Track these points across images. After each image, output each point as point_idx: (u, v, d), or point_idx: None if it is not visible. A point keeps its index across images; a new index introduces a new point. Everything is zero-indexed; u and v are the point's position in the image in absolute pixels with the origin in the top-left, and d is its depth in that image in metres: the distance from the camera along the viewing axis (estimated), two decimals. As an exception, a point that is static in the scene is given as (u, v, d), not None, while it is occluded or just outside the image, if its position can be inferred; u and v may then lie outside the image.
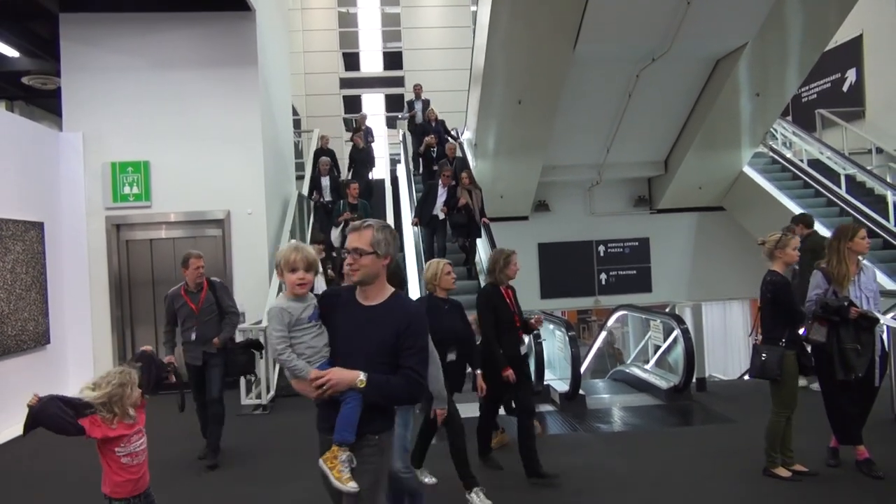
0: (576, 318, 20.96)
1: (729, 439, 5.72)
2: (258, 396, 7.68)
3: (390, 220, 10.70)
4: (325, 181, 11.37)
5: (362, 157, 12.89)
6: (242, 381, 7.72)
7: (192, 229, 9.15)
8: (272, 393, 7.86)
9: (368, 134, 13.63)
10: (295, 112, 15.09)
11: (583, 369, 8.04)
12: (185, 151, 9.00)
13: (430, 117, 12.87)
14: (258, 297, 8.54)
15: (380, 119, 21.02)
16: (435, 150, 11.99)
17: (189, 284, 5.77)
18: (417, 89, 14.04)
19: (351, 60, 21.27)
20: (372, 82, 21.13)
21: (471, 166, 11.83)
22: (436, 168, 11.15)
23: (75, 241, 8.74)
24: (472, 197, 9.86)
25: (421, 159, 12.25)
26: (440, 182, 9.84)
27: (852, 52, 13.71)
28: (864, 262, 4.81)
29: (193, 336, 5.70)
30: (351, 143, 13.67)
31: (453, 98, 16.60)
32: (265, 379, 7.72)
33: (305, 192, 11.62)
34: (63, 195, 8.72)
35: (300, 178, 12.37)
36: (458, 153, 11.77)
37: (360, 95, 21.21)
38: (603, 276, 13.36)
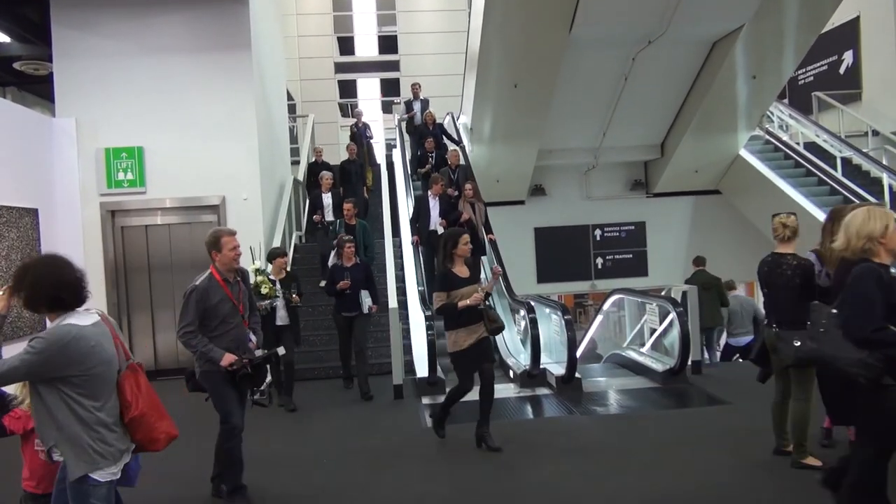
0: (572, 302, 21.03)
1: (724, 421, 5.76)
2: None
3: (387, 211, 10.54)
4: (328, 199, 9.83)
5: (356, 170, 11.40)
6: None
7: (187, 215, 9.11)
8: (269, 378, 7.86)
9: (367, 129, 13.10)
10: (290, 97, 15.00)
11: (579, 353, 8.06)
12: (179, 137, 8.94)
13: (429, 120, 11.90)
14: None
15: (375, 104, 20.92)
16: (433, 155, 11.25)
17: (223, 272, 4.37)
18: (415, 89, 13.12)
19: (345, 44, 21.10)
20: (367, 66, 20.99)
21: (469, 158, 11.71)
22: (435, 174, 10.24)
23: (70, 227, 8.70)
24: (476, 211, 9.23)
25: (419, 167, 11.50)
26: (430, 193, 9.19)
27: (849, 34, 13.64)
28: None
29: (234, 337, 4.34)
30: (347, 131, 13.23)
31: (449, 82, 16.53)
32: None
33: (304, 202, 11.11)
34: (57, 181, 8.67)
35: (295, 163, 12.31)
36: (461, 160, 10.86)
37: (355, 80, 21.08)
38: (599, 261, 13.38)
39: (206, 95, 9.00)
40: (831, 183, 11.22)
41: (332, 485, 4.75)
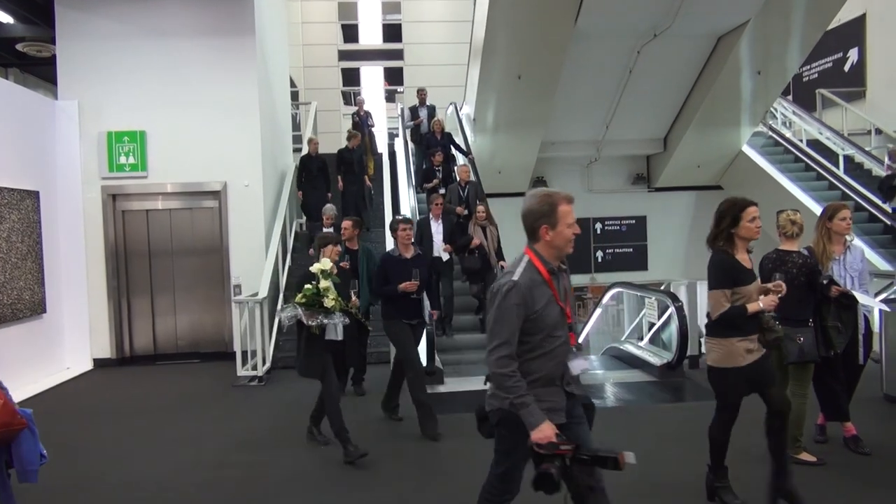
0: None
1: (720, 416, 5.77)
2: (254, 368, 7.73)
3: (388, 203, 10.51)
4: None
5: (357, 159, 10.52)
6: (238, 350, 7.76)
7: (188, 200, 9.12)
8: (268, 364, 7.91)
9: (368, 117, 12.62)
10: (293, 83, 14.96)
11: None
12: (181, 121, 8.93)
13: (437, 129, 10.94)
14: (254, 270, 8.56)
15: (378, 93, 20.85)
16: (441, 169, 10.28)
17: (548, 259, 3.11)
18: (422, 94, 12.36)
19: (350, 32, 21.01)
20: (371, 55, 20.90)
21: (472, 149, 11.62)
22: (442, 191, 9.43)
23: (71, 210, 8.71)
24: (488, 236, 8.38)
25: (424, 181, 10.51)
26: (430, 214, 8.24)
27: (855, 32, 13.58)
28: (855, 242, 4.85)
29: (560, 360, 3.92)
30: (350, 117, 12.94)
31: (453, 72, 16.45)
32: (261, 350, 7.76)
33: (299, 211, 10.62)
34: (59, 164, 8.67)
35: (297, 150, 12.30)
36: (472, 177, 9.90)
37: (358, 68, 21.00)
38: (599, 254, 13.38)
39: (209, 80, 8.98)
40: (832, 180, 11.22)
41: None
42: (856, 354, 4.69)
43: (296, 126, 13.57)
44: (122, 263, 8.99)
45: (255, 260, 8.82)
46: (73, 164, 8.77)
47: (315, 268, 4.69)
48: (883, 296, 7.47)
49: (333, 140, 16.95)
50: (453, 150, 11.13)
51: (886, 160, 10.31)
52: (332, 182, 10.28)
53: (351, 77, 20.85)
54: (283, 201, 9.98)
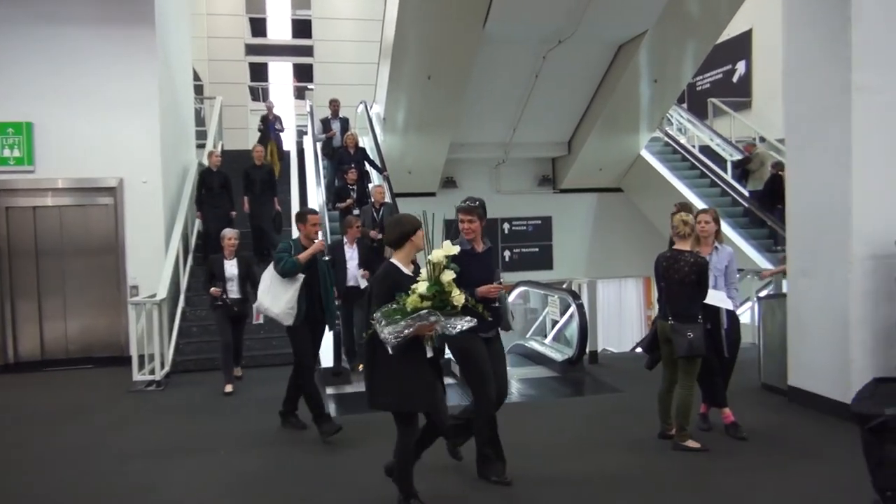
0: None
1: (616, 408, 6.05)
2: (151, 372, 7.42)
3: (295, 201, 10.30)
4: (232, 267, 7.08)
5: (262, 177, 9.71)
6: (135, 354, 7.44)
7: (80, 197, 8.64)
8: (167, 368, 7.63)
9: (277, 122, 12.11)
10: (197, 77, 14.44)
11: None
12: (73, 114, 8.44)
13: (350, 143, 10.34)
14: (153, 270, 8.22)
15: (287, 90, 20.48)
16: (355, 188, 9.68)
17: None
18: (335, 105, 11.71)
19: (257, 26, 20.53)
20: (279, 50, 20.50)
21: (381, 149, 11.53)
22: (356, 212, 8.84)
23: (-54, 206, 8.07)
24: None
25: (337, 200, 9.78)
26: (345, 240, 7.49)
27: (743, 46, 14.55)
28: (724, 245, 5.28)
29: None
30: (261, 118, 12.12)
31: (364, 70, 16.39)
32: (160, 354, 7.46)
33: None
34: (-68, 156, 8.02)
35: (201, 146, 11.89)
36: (387, 198, 9.49)
37: (266, 63, 20.55)
38: (507, 253, 13.68)
39: (104, 70, 8.53)
40: (721, 185, 11.97)
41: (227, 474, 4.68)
42: (721, 349, 5.08)
43: (199, 121, 13.11)
44: (5, 264, 8.40)
45: (153, 260, 8.46)
46: (-50, 156, 8.13)
47: (437, 255, 3.55)
48: (764, 292, 8.05)
49: (240, 137, 16.53)
50: (367, 167, 10.65)
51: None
52: (236, 201, 9.50)
53: (259, 72, 20.37)
54: (185, 199, 9.63)
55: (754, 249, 10.16)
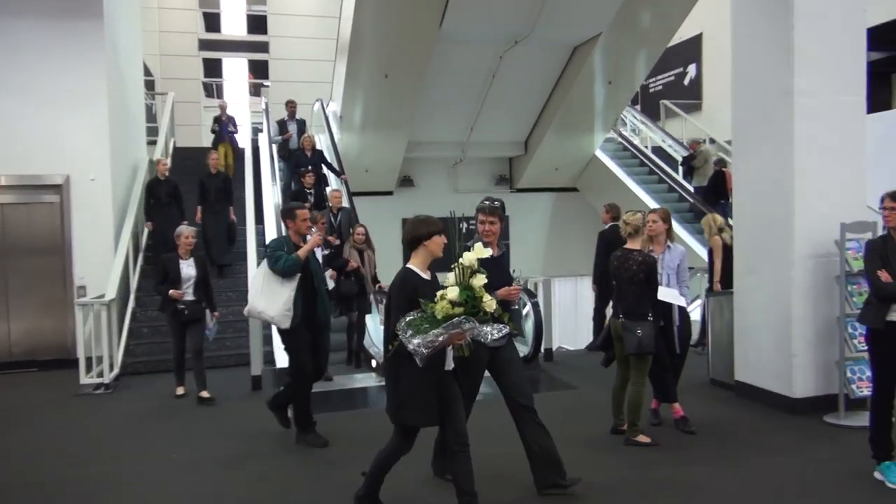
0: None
1: (571, 404, 6.14)
2: (100, 375, 7.23)
3: (250, 198, 10.11)
4: (189, 267, 6.47)
5: (218, 186, 9.42)
6: (82, 357, 7.23)
7: (24, 194, 8.35)
8: (116, 371, 7.44)
9: (230, 123, 11.83)
10: (147, 72, 14.11)
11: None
12: (16, 108, 8.15)
13: (307, 146, 10.20)
14: (102, 270, 8.01)
15: (242, 86, 20.18)
16: (312, 192, 9.54)
17: None
18: (291, 107, 11.48)
19: (211, 21, 20.15)
20: (234, 46, 20.17)
21: (338, 147, 11.42)
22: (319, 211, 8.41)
23: None
24: (366, 260, 7.77)
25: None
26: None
27: (693, 50, 14.90)
28: (675, 244, 5.42)
29: None
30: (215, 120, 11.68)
31: (320, 67, 16.24)
32: (108, 356, 7.27)
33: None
34: None
35: (151, 143, 11.62)
36: (345, 202, 9.35)
37: (220, 59, 20.19)
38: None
39: (49, 64, 8.26)
40: (669, 182, 12.27)
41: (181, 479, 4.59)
42: (673, 346, 5.21)
43: (151, 117, 12.82)
44: (-57, 263, 8.09)
45: (102, 259, 8.24)
46: None
47: (468, 258, 3.31)
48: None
49: (194, 133, 16.21)
50: (325, 170, 10.52)
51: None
52: (187, 210, 9.15)
53: (213, 68, 20.00)
54: (135, 197, 9.40)
55: (699, 243, 10.43)
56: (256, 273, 5.07)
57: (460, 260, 3.30)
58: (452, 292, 3.22)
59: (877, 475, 4.06)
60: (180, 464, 4.85)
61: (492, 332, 3.22)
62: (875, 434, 4.08)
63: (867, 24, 5.72)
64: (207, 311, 6.53)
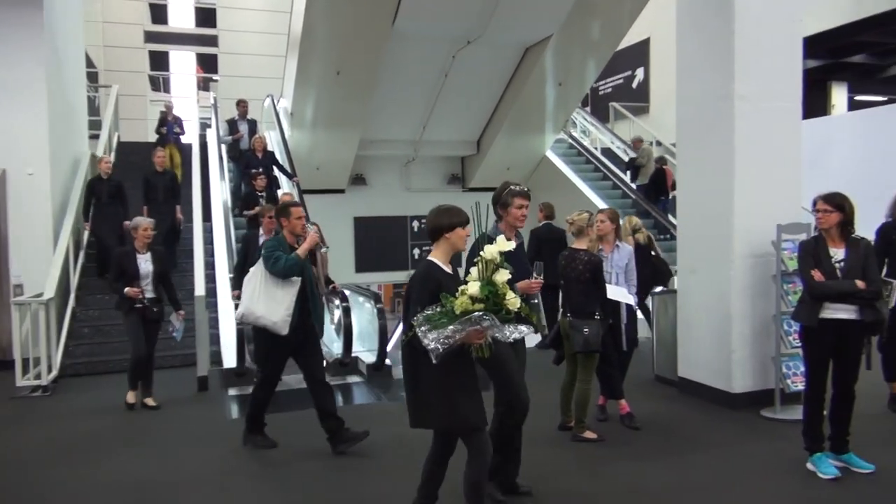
0: (391, 291, 21.37)
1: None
2: (37, 377, 6.98)
3: (197, 194, 9.86)
4: (146, 263, 6.16)
5: (165, 184, 9.25)
6: (18, 358, 6.96)
7: (-45, 189, 8.01)
8: (55, 372, 7.19)
9: (176, 124, 11.51)
10: (90, 63, 13.66)
11: (391, 342, 8.24)
12: (-53, 98, 7.82)
13: (258, 147, 10.10)
14: (39, 268, 7.72)
15: (190, 80, 19.73)
16: (264, 195, 9.32)
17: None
18: (242, 107, 11.30)
19: (158, 13, 19.64)
20: (181, 38, 19.69)
21: (289, 144, 11.21)
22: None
23: None
24: (318, 259, 8.17)
25: (245, 208, 9.35)
26: (261, 231, 7.04)
27: (641, 53, 15.24)
28: (625, 243, 5.52)
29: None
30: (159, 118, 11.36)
31: (271, 63, 15.99)
32: (46, 357, 7.03)
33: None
34: None
35: (94, 137, 11.26)
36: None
37: (167, 52, 19.69)
38: (416, 251, 13.74)
39: (-17, 53, 7.95)
40: (614, 179, 12.55)
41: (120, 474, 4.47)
42: (620, 343, 5.33)
43: (93, 110, 12.42)
44: None
45: (40, 257, 7.95)
46: None
47: (491, 251, 3.09)
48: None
49: (139, 128, 15.77)
50: (276, 172, 10.35)
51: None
52: (129, 210, 8.76)
53: (159, 61, 19.50)
54: (76, 191, 9.09)
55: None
56: (250, 276, 4.78)
57: (481, 253, 3.11)
58: (473, 287, 3.04)
59: (809, 466, 4.24)
60: (122, 467, 4.73)
61: (517, 332, 3.06)
62: (808, 427, 4.26)
63: (804, 34, 5.96)
64: (174, 311, 6.25)
